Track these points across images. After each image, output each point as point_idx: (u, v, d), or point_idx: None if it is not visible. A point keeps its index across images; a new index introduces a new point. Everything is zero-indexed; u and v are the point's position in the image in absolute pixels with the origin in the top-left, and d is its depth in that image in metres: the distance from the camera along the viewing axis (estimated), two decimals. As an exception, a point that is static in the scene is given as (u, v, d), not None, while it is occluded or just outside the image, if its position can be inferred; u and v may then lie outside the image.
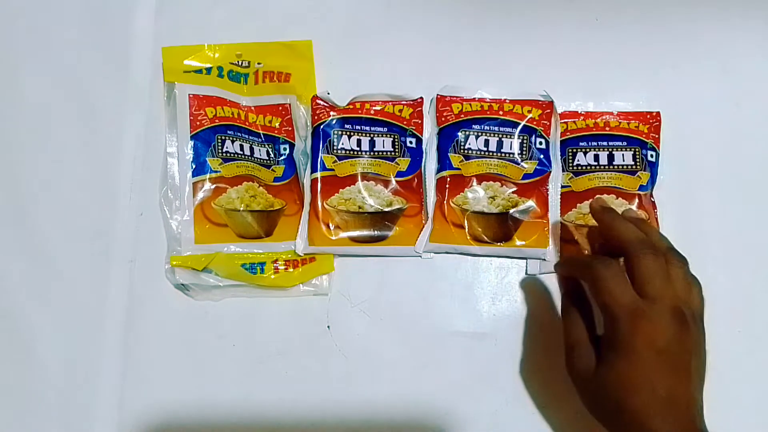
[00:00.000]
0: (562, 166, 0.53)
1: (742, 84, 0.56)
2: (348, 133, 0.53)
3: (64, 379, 0.52)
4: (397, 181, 0.53)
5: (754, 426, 0.51)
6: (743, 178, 0.54)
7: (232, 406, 0.51)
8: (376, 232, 0.52)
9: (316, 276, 0.53)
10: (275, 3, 0.57)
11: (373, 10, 0.57)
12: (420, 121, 0.54)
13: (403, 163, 0.53)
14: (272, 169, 0.54)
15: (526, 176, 0.52)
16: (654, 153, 0.53)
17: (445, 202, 0.52)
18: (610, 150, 0.53)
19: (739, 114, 0.55)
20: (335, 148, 0.53)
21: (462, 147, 0.53)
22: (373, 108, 0.54)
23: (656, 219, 0.52)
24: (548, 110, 0.53)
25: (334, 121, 0.53)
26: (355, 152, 0.53)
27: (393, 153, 0.53)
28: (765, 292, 0.53)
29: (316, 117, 0.54)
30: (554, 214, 0.52)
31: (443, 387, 0.51)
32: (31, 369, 0.52)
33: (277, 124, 0.55)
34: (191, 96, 0.53)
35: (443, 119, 0.54)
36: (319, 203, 0.52)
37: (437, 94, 0.54)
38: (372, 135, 0.53)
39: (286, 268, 0.52)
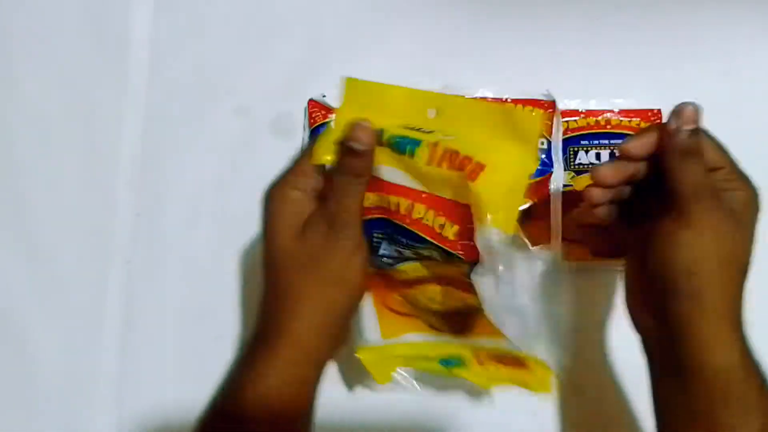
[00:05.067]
0: (564, 165, 0.53)
1: (743, 83, 0.55)
2: None
3: (63, 380, 0.52)
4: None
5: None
6: (745, 176, 0.54)
7: (231, 407, 0.51)
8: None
9: (525, 387, 0.43)
10: (275, 3, 0.57)
11: (373, 10, 0.57)
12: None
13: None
14: (457, 266, 0.40)
15: None
16: (655, 151, 0.53)
17: None
18: (612, 148, 0.53)
19: (740, 112, 0.55)
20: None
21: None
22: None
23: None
24: (550, 110, 0.53)
25: None
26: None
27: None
28: (765, 291, 0.53)
29: (312, 120, 0.53)
30: (556, 215, 0.52)
31: (443, 387, 0.51)
32: (30, 369, 0.52)
33: (451, 236, 0.38)
34: None
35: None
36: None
37: (438, 94, 0.54)
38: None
39: (490, 364, 0.44)
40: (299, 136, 0.55)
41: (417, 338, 0.46)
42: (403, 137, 0.37)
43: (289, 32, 0.56)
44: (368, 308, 0.45)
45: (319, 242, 0.37)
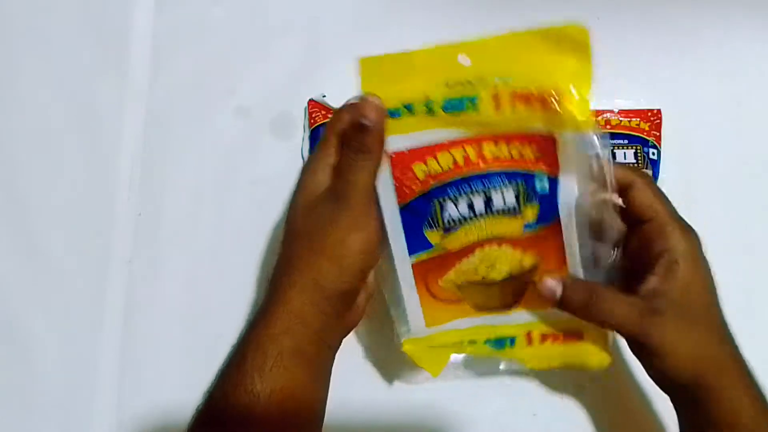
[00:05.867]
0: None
1: (743, 81, 0.55)
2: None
3: (63, 380, 0.52)
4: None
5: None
6: (745, 175, 0.54)
7: (231, 407, 0.51)
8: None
9: (581, 363, 0.43)
10: (275, 3, 0.57)
11: (373, 9, 0.57)
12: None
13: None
14: (521, 215, 0.40)
15: None
16: (656, 150, 0.53)
17: None
18: (612, 148, 0.53)
19: (740, 111, 0.55)
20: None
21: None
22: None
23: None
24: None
25: None
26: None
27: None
28: (767, 290, 0.53)
29: (312, 120, 0.53)
30: None
31: (443, 387, 0.51)
32: (30, 370, 0.52)
33: (531, 155, 0.38)
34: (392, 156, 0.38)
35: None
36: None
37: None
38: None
39: (542, 342, 0.44)
40: (299, 136, 0.55)
41: (462, 324, 0.44)
42: (458, 98, 0.37)
43: (290, 32, 0.55)
44: (413, 298, 0.43)
45: (324, 215, 0.37)
